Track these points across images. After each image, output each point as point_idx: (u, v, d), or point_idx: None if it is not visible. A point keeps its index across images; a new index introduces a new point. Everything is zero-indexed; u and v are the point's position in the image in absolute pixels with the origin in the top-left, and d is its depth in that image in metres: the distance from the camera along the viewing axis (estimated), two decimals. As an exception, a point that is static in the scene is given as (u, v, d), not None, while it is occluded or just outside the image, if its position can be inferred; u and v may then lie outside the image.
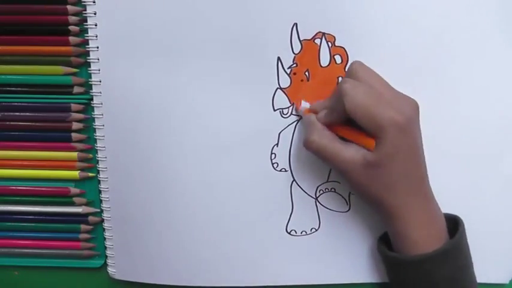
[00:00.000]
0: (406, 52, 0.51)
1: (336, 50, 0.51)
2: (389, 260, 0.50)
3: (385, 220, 0.49)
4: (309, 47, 0.51)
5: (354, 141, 0.46)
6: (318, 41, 0.51)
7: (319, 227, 0.56)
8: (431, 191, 0.48)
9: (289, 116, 0.53)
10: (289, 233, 0.56)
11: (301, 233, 0.56)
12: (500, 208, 0.55)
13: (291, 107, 0.53)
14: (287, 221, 0.56)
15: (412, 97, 0.46)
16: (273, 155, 0.54)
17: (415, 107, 0.46)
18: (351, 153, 0.46)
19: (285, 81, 0.52)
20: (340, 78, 0.52)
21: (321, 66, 0.52)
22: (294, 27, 0.50)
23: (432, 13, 0.50)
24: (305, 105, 0.52)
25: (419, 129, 0.46)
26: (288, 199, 0.55)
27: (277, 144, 0.54)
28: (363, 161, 0.45)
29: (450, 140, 0.53)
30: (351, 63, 0.48)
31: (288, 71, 0.52)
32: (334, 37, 0.51)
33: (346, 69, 0.51)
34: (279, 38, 0.51)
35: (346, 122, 0.46)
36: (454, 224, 0.50)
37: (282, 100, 0.52)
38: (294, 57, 0.51)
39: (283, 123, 0.53)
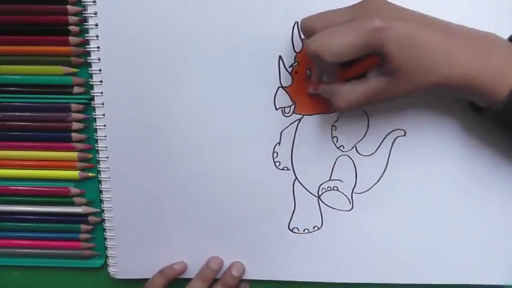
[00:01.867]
0: None
1: (338, 48, 0.53)
2: (495, 116, 0.48)
3: (455, 91, 0.47)
4: (310, 45, 0.53)
5: (363, 70, 0.46)
6: (319, 39, 0.53)
7: (321, 225, 0.58)
8: (447, 22, 0.47)
9: (291, 114, 0.55)
10: (291, 231, 0.58)
11: (304, 231, 0.58)
12: (501, 207, 0.57)
13: (293, 106, 0.55)
14: (289, 219, 0.58)
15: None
16: (275, 154, 0.56)
17: (373, 4, 0.45)
18: (375, 82, 0.46)
19: (287, 80, 0.54)
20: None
21: (322, 64, 0.54)
22: (295, 26, 0.52)
23: (433, 13, 0.51)
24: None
25: (396, 9, 0.46)
26: (291, 197, 0.57)
27: (279, 143, 0.55)
28: (390, 76, 0.45)
29: (450, 140, 0.55)
30: (301, 24, 0.48)
31: (290, 69, 0.54)
32: (335, 35, 0.53)
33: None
34: (280, 37, 0.53)
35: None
36: None
37: (284, 99, 0.54)
38: (296, 55, 0.53)
39: (285, 121, 0.55)
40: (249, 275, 0.60)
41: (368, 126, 0.55)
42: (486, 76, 0.45)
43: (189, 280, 0.60)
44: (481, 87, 0.45)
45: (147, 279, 0.60)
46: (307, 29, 0.48)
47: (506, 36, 0.48)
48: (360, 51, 0.44)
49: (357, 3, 0.46)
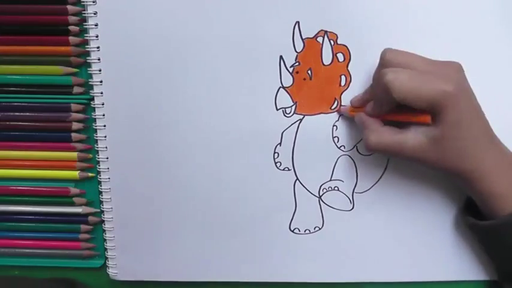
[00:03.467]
0: (408, 50, 0.51)
1: (339, 48, 0.54)
2: (481, 230, 0.52)
3: (467, 185, 0.51)
4: (311, 45, 0.54)
5: (411, 121, 0.48)
6: (320, 39, 0.54)
7: (322, 225, 0.59)
8: (499, 140, 0.50)
9: (292, 115, 0.55)
10: (292, 231, 0.59)
11: (305, 231, 0.59)
12: None
13: (294, 106, 0.55)
14: (290, 220, 0.59)
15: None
16: (276, 154, 0.57)
17: (458, 69, 0.48)
18: (413, 137, 0.48)
19: (288, 80, 0.55)
20: (342, 77, 0.54)
21: (323, 64, 0.54)
22: (296, 26, 0.53)
23: (434, 12, 0.53)
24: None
25: (470, 90, 0.48)
26: (291, 198, 0.58)
27: (280, 144, 0.56)
28: (428, 140, 0.47)
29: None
30: (382, 52, 0.49)
31: (291, 69, 0.54)
32: (337, 35, 0.54)
33: (347, 68, 0.54)
34: (281, 37, 0.54)
35: (395, 107, 0.48)
36: None
37: (285, 99, 0.55)
38: (297, 55, 0.54)
39: (286, 122, 0.56)
40: (250, 277, 0.61)
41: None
42: (504, 189, 0.49)
43: (190, 283, 0.61)
44: (494, 196, 0.49)
45: (147, 281, 0.61)
46: (386, 60, 0.49)
47: (507, 38, 0.50)
48: (423, 103, 0.46)
49: (440, 61, 0.48)
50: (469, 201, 0.55)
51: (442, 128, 0.47)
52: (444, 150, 0.48)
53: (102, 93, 0.56)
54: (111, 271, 0.62)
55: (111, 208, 0.59)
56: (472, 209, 0.54)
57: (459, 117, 0.46)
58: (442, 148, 0.48)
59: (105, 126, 0.57)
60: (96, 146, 0.58)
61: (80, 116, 0.58)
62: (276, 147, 0.57)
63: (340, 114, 0.56)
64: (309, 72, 0.55)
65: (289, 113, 0.56)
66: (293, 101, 0.55)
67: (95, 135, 0.57)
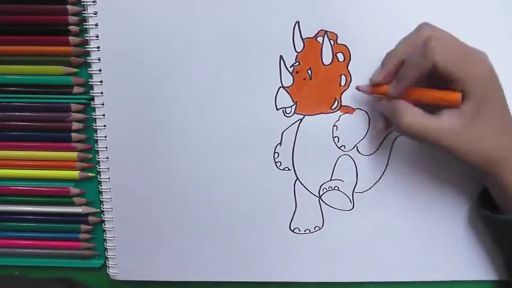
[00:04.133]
0: None
1: (339, 47, 0.54)
2: (496, 223, 0.53)
3: (491, 176, 0.50)
4: (311, 45, 0.54)
5: (438, 99, 0.48)
6: (320, 39, 0.54)
7: (322, 225, 0.59)
8: None
9: (292, 115, 0.56)
10: (292, 231, 0.59)
11: (305, 231, 0.59)
12: None
13: (294, 106, 0.56)
14: (290, 219, 0.59)
15: None
16: (276, 154, 0.57)
17: (487, 57, 0.48)
18: (447, 121, 0.47)
19: (288, 80, 0.55)
20: (343, 77, 0.55)
21: (323, 64, 0.55)
22: (296, 26, 0.54)
23: (434, 11, 0.53)
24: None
25: (498, 79, 0.48)
26: (292, 197, 0.58)
27: (280, 143, 0.56)
28: (462, 120, 0.47)
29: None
30: (421, 25, 0.49)
31: (291, 69, 0.55)
32: (337, 35, 0.54)
33: (347, 68, 0.54)
34: (281, 37, 0.54)
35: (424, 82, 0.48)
36: None
37: (285, 99, 0.55)
38: (297, 55, 0.54)
39: (286, 122, 0.56)
40: (250, 276, 0.61)
41: (369, 126, 0.56)
42: None
43: (190, 283, 0.61)
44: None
45: (147, 281, 0.62)
46: (422, 33, 0.49)
47: (507, 38, 0.50)
48: (464, 73, 0.46)
49: (471, 47, 0.48)
50: (483, 194, 0.54)
51: (473, 104, 0.47)
52: (474, 134, 0.48)
53: (102, 93, 0.56)
54: (111, 271, 0.62)
55: (111, 208, 0.59)
56: (485, 202, 0.54)
57: (488, 102, 0.47)
58: (472, 132, 0.47)
59: (105, 126, 0.57)
60: (96, 146, 0.58)
61: (80, 116, 0.58)
62: (276, 147, 0.57)
63: (341, 114, 0.56)
64: (309, 72, 0.55)
65: (289, 113, 0.56)
66: (293, 101, 0.56)
67: (95, 135, 0.58)
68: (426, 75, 0.47)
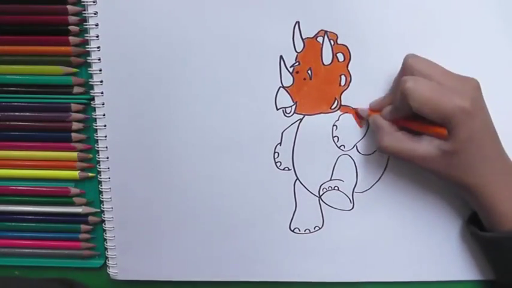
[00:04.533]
0: (408, 50, 0.52)
1: (339, 48, 0.54)
2: (481, 240, 0.54)
3: (471, 199, 0.52)
4: (311, 45, 0.54)
5: (426, 132, 0.49)
6: (320, 39, 0.54)
7: (322, 225, 0.59)
8: (509, 158, 0.51)
9: (292, 114, 0.56)
10: (292, 231, 0.59)
11: (305, 231, 0.59)
12: None
13: (294, 106, 0.55)
14: (290, 219, 0.59)
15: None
16: (276, 154, 0.57)
17: (476, 86, 0.48)
18: (425, 147, 0.49)
19: (288, 80, 0.55)
20: (342, 77, 0.55)
21: (323, 64, 0.54)
22: (296, 26, 0.53)
23: (435, 12, 0.53)
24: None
25: (485, 107, 0.49)
26: (291, 197, 0.58)
27: (280, 143, 0.56)
28: (439, 152, 0.48)
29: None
30: (405, 58, 0.50)
31: (291, 69, 0.55)
32: (337, 35, 0.54)
33: (347, 68, 0.54)
34: (281, 37, 0.54)
35: (412, 115, 0.49)
36: None
37: (285, 99, 0.55)
38: (297, 55, 0.54)
39: (286, 122, 0.56)
40: (250, 276, 0.61)
41: (368, 126, 0.56)
42: (507, 208, 0.50)
43: (190, 282, 0.61)
44: (496, 213, 0.51)
45: (147, 281, 0.61)
46: (408, 66, 0.50)
47: (508, 37, 0.50)
48: (438, 116, 0.47)
49: (460, 76, 0.49)
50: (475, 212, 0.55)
51: (454, 142, 0.47)
52: (453, 164, 0.49)
53: (102, 93, 0.56)
54: (111, 271, 0.62)
55: (111, 208, 0.59)
56: (477, 218, 0.55)
57: (472, 134, 0.47)
58: (451, 162, 0.49)
59: (105, 126, 0.57)
60: (96, 146, 0.58)
61: (80, 116, 0.58)
62: (276, 147, 0.57)
63: (341, 114, 0.56)
64: (309, 72, 0.55)
65: (289, 113, 0.56)
66: (293, 101, 0.56)
67: (95, 135, 0.57)
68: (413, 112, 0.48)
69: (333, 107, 0.56)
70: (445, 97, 0.46)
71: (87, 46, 0.55)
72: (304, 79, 0.55)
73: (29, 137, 0.59)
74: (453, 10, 0.53)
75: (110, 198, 0.59)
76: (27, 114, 0.58)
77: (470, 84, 0.48)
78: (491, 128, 0.50)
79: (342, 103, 0.56)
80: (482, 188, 0.50)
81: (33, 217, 0.61)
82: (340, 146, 0.57)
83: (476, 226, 0.54)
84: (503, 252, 0.52)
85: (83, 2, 0.54)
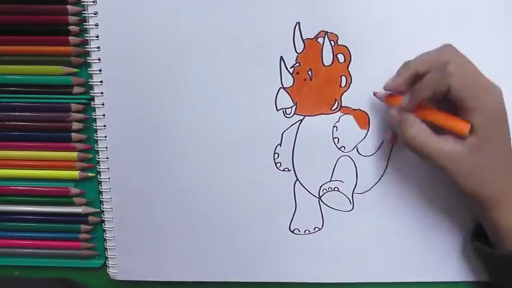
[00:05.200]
0: (409, 51, 0.52)
1: (339, 48, 0.54)
2: (488, 257, 0.53)
3: (482, 211, 0.51)
4: (311, 46, 0.54)
5: (447, 125, 0.48)
6: (320, 40, 0.54)
7: (322, 226, 0.58)
8: None
9: (292, 115, 0.55)
10: (292, 232, 0.59)
11: (305, 231, 0.59)
12: None
13: (294, 107, 0.55)
14: (290, 220, 0.58)
15: None
16: (276, 155, 0.56)
17: (502, 94, 0.48)
18: (451, 145, 0.48)
19: (288, 81, 0.55)
20: (343, 78, 0.54)
21: (324, 65, 0.54)
22: (297, 27, 0.53)
23: (435, 12, 0.53)
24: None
25: (507, 116, 0.49)
26: (291, 198, 0.58)
27: (280, 144, 0.56)
28: (466, 150, 0.47)
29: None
30: (444, 46, 0.49)
31: (291, 70, 0.54)
32: (337, 36, 0.53)
33: (348, 69, 0.54)
34: (281, 37, 0.53)
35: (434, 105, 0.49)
36: None
37: (285, 100, 0.55)
38: (297, 56, 0.54)
39: (286, 122, 0.56)
40: (250, 277, 0.61)
41: (369, 127, 0.56)
42: None
43: (189, 283, 0.61)
44: (505, 228, 0.50)
45: (147, 281, 0.61)
46: (448, 52, 0.49)
47: (508, 38, 0.51)
48: (478, 103, 0.46)
49: (493, 83, 0.48)
50: (478, 226, 0.55)
51: (480, 137, 0.47)
52: (475, 166, 0.48)
53: (102, 93, 0.56)
54: (111, 271, 0.62)
55: (111, 208, 0.59)
56: (480, 233, 0.54)
57: (496, 133, 0.47)
58: (473, 164, 0.48)
59: (105, 126, 0.57)
60: (96, 146, 0.58)
61: (80, 116, 0.58)
62: (276, 147, 0.56)
63: (342, 115, 0.55)
64: (310, 72, 0.54)
65: (289, 114, 0.55)
66: (293, 102, 0.55)
67: (95, 135, 0.57)
68: (441, 96, 0.47)
69: (333, 108, 0.55)
70: (481, 90, 0.46)
71: (87, 46, 0.55)
72: (305, 80, 0.55)
73: (29, 137, 0.59)
74: (454, 10, 0.53)
75: (110, 198, 0.59)
76: (27, 114, 0.58)
77: (498, 89, 0.48)
78: (509, 144, 0.50)
79: (342, 104, 0.55)
80: (498, 198, 0.49)
81: (33, 217, 0.61)
82: (340, 147, 0.56)
83: (479, 241, 0.54)
84: (510, 269, 0.51)
85: (83, 2, 0.54)
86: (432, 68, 0.48)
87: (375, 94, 0.54)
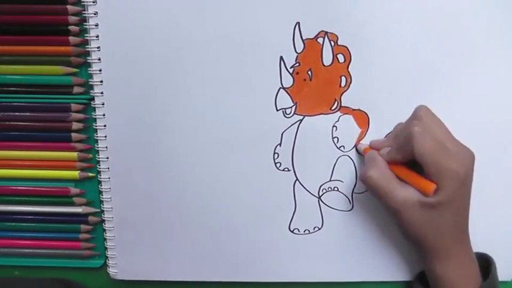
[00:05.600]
0: (409, 51, 0.53)
1: (339, 49, 0.54)
2: None
3: (427, 260, 0.53)
4: (311, 46, 0.53)
5: (413, 184, 0.49)
6: (320, 40, 0.53)
7: (322, 225, 0.58)
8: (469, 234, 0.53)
9: (292, 115, 0.55)
10: (292, 232, 0.59)
11: (304, 231, 0.59)
12: (503, 207, 0.58)
13: (294, 107, 0.55)
14: (290, 220, 0.58)
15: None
16: (276, 155, 0.56)
17: (472, 159, 0.49)
18: (406, 193, 0.49)
19: (288, 81, 0.54)
20: (343, 78, 0.54)
21: (323, 65, 0.54)
22: (297, 27, 0.53)
23: (435, 13, 0.52)
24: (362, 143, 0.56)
25: (471, 181, 0.50)
26: (291, 198, 0.58)
27: (280, 144, 0.56)
28: (418, 203, 0.48)
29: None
30: (418, 107, 0.50)
31: (291, 70, 0.54)
32: (337, 36, 0.53)
33: (347, 69, 0.54)
34: (281, 37, 0.53)
35: (406, 163, 0.50)
36: (485, 263, 0.55)
37: (285, 100, 0.55)
38: (297, 56, 0.54)
39: (286, 122, 0.55)
40: (249, 277, 0.60)
41: (368, 127, 0.56)
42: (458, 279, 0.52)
43: (189, 282, 0.61)
44: (446, 281, 0.52)
45: (147, 281, 0.61)
46: (418, 115, 0.50)
47: (507, 38, 0.50)
48: (436, 171, 0.47)
49: (460, 144, 0.50)
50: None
51: (437, 200, 0.48)
52: (425, 220, 0.49)
53: (102, 93, 0.55)
54: (111, 271, 0.61)
55: (111, 208, 0.59)
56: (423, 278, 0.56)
57: (454, 199, 0.48)
58: (425, 217, 0.49)
59: (105, 126, 0.56)
60: (96, 146, 0.57)
61: (80, 116, 0.57)
62: (276, 147, 0.56)
63: (341, 115, 0.55)
64: (309, 73, 0.54)
65: (289, 114, 0.55)
66: (293, 102, 0.55)
67: (95, 135, 0.57)
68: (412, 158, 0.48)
69: (332, 108, 0.55)
70: (445, 155, 0.47)
71: (87, 46, 0.55)
72: (304, 80, 0.54)
73: (29, 137, 0.58)
74: (454, 11, 0.52)
75: (110, 198, 0.58)
76: (27, 114, 0.58)
77: (468, 154, 0.49)
78: (469, 201, 0.51)
79: (342, 104, 0.55)
80: (443, 252, 0.51)
81: (33, 217, 0.61)
82: (340, 146, 0.56)
83: (422, 284, 0.56)
84: None
85: (83, 2, 0.53)
86: (403, 132, 0.50)
87: (356, 145, 0.56)
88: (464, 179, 0.48)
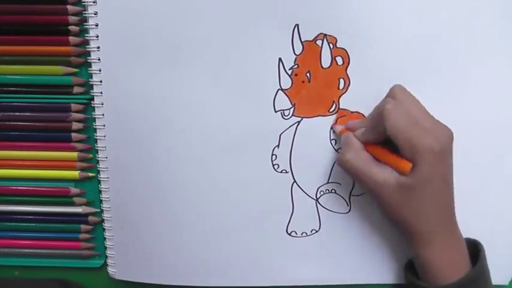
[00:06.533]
0: (408, 53, 0.52)
1: (338, 51, 0.53)
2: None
3: (411, 245, 0.51)
4: (310, 48, 0.53)
5: (389, 163, 0.48)
6: (319, 42, 0.52)
7: (319, 228, 0.58)
8: (456, 218, 0.51)
9: (290, 117, 0.54)
10: (289, 234, 0.58)
11: (302, 234, 0.58)
12: (500, 209, 0.57)
13: (292, 108, 0.54)
14: (287, 222, 0.58)
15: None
16: (274, 156, 0.56)
17: (450, 136, 0.48)
18: (384, 175, 0.48)
19: (286, 83, 0.53)
20: (341, 80, 0.53)
21: (322, 67, 0.53)
22: (296, 29, 0.52)
23: (434, 14, 0.51)
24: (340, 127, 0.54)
25: (451, 158, 0.49)
26: (289, 200, 0.57)
27: (278, 146, 0.55)
28: (397, 183, 0.47)
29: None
30: (393, 86, 0.50)
31: (289, 72, 0.53)
32: (336, 38, 0.52)
33: (346, 72, 0.53)
34: (280, 39, 0.52)
35: (382, 143, 0.49)
36: (474, 249, 0.52)
37: (283, 101, 0.54)
38: (296, 58, 0.53)
39: (284, 124, 0.55)
40: (247, 280, 0.60)
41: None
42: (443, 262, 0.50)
43: (187, 287, 0.60)
44: (431, 265, 0.50)
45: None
46: (393, 93, 0.50)
47: (507, 39, 0.50)
48: (408, 147, 0.46)
49: (438, 122, 0.49)
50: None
51: (413, 179, 0.46)
52: (405, 201, 0.48)
53: (102, 93, 0.55)
54: (111, 270, 0.61)
55: (110, 207, 0.58)
56: (413, 266, 0.54)
57: (432, 178, 0.47)
58: (404, 198, 0.48)
59: (104, 126, 0.56)
60: (96, 145, 0.57)
61: (80, 116, 0.57)
62: (273, 149, 0.56)
63: (338, 117, 0.55)
64: (308, 74, 0.54)
65: (287, 115, 0.55)
66: (291, 104, 0.54)
67: (95, 135, 0.56)
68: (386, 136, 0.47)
69: (331, 110, 0.54)
70: (420, 132, 0.46)
71: (87, 46, 0.54)
72: (303, 82, 0.54)
73: (29, 137, 0.58)
74: (453, 14, 0.52)
75: (109, 198, 0.58)
76: (27, 114, 0.57)
77: (445, 132, 0.48)
78: (450, 180, 0.50)
79: (340, 106, 0.54)
80: (426, 235, 0.49)
81: (33, 217, 0.60)
82: (338, 149, 0.55)
83: (412, 273, 0.54)
84: None
85: (83, 2, 0.53)
86: (377, 111, 0.49)
87: (333, 126, 0.55)
88: (439, 155, 0.46)
